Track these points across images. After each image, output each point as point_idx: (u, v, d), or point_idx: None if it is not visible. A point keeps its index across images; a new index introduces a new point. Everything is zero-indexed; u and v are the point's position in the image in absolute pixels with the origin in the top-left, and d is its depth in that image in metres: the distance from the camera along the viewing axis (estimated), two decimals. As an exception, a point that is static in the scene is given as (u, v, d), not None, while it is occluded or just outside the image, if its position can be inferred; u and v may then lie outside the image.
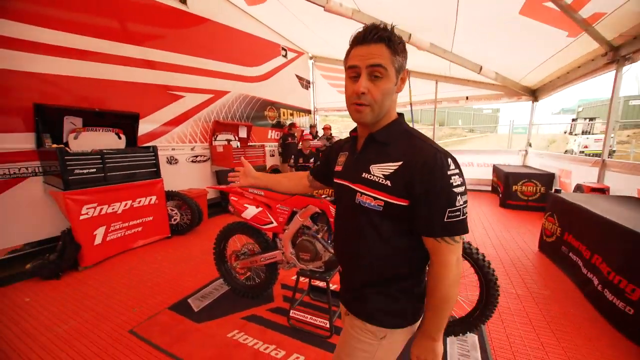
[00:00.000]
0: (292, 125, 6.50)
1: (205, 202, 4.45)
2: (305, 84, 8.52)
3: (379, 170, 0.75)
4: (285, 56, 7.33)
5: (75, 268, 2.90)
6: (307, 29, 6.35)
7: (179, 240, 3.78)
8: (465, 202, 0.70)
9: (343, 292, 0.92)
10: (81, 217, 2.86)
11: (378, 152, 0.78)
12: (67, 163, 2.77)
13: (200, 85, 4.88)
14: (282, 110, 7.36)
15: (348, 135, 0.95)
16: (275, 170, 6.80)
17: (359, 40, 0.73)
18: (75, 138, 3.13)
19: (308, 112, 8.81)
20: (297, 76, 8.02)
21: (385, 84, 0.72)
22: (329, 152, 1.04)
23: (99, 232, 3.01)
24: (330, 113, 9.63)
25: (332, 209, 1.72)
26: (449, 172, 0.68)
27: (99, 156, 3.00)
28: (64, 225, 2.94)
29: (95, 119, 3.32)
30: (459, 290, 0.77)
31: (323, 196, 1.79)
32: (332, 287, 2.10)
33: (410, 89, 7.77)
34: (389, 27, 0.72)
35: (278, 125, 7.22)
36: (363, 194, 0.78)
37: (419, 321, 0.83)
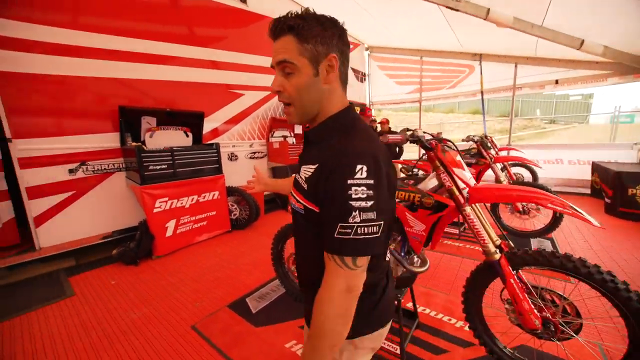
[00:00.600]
0: (362, 113, 6.23)
1: (262, 198, 4.53)
2: (361, 76, 8.17)
3: (303, 172, 0.69)
4: (340, 49, 7.09)
5: (149, 256, 3.16)
6: (363, 18, 6.02)
7: (238, 235, 3.89)
8: (367, 220, 0.57)
9: None
10: (154, 210, 3.09)
11: (312, 152, 0.72)
12: (144, 160, 3.00)
13: (259, 82, 4.97)
14: (336, 105, 7.17)
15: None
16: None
17: (270, 36, 0.67)
18: (151, 137, 3.40)
19: (364, 105, 8.44)
20: (352, 69, 7.71)
21: (298, 78, 0.65)
22: None
23: (170, 225, 3.23)
24: (385, 107, 9.09)
25: (410, 216, 1.43)
26: (349, 181, 0.57)
27: (169, 153, 3.21)
28: (142, 217, 3.23)
29: (166, 118, 3.57)
30: (345, 333, 0.62)
31: (397, 200, 1.51)
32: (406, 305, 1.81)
33: (482, 75, 6.82)
34: (301, 12, 0.64)
35: (332, 121, 7.05)
36: (292, 196, 0.74)
37: (362, 337, 0.72)
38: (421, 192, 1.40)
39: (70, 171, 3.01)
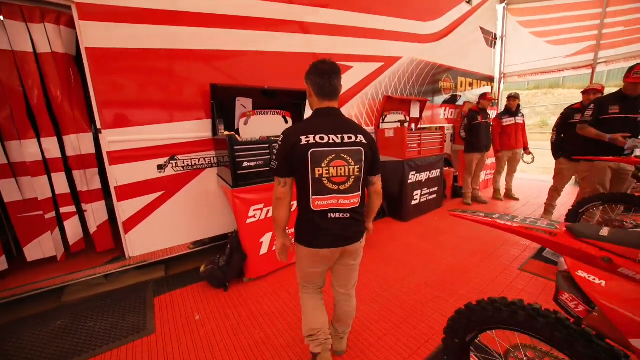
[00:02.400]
0: (483, 96, 4.44)
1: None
2: (492, 39, 6.06)
3: None
4: (469, 2, 5.24)
5: (240, 278, 2.46)
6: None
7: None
8: (273, 160, 1.26)
9: None
10: (248, 221, 2.33)
11: None
12: (236, 154, 2.24)
13: (370, 51, 3.79)
14: (459, 79, 5.40)
15: None
16: (446, 161, 5.05)
17: None
18: (245, 123, 2.67)
19: (491, 79, 6.33)
20: (481, 29, 5.73)
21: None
22: None
23: (265, 240, 2.44)
24: (525, 79, 6.61)
25: None
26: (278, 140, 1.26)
27: (267, 145, 2.38)
28: (234, 224, 2.54)
29: (263, 99, 2.78)
30: (277, 213, 1.31)
31: None
32: None
33: None
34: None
35: (453, 101, 5.35)
36: None
37: (298, 244, 1.35)
38: None
39: (159, 167, 2.50)
